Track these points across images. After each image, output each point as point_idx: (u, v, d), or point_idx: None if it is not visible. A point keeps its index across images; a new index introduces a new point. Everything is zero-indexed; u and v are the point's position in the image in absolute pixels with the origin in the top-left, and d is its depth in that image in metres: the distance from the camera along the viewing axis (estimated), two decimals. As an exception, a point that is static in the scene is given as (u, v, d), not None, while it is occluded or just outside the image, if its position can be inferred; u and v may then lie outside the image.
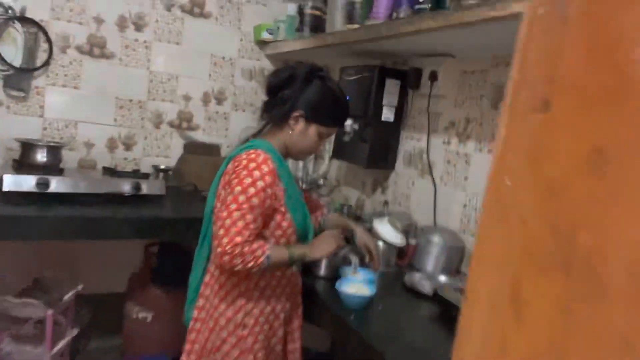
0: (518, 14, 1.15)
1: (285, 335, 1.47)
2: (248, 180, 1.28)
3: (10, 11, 2.18)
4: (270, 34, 2.66)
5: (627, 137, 0.31)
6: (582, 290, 0.33)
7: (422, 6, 1.55)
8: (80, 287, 2.12)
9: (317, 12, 2.35)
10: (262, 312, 1.37)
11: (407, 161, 2.16)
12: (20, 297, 1.98)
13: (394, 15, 1.68)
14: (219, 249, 1.23)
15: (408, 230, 1.87)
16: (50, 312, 1.91)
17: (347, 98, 1.45)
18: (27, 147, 2.09)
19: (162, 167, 2.58)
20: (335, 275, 1.58)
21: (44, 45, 2.28)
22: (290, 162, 1.52)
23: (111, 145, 2.53)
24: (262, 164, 1.29)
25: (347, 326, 1.34)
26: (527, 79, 0.40)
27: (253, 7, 2.75)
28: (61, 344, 2.02)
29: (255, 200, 1.26)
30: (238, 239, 1.23)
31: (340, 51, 2.23)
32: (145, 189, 2.20)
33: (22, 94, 2.28)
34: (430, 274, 1.69)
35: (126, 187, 2.16)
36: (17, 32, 2.20)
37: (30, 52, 2.25)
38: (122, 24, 2.44)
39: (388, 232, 1.69)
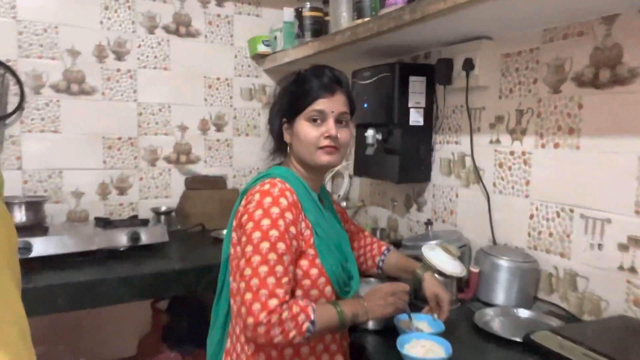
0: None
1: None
2: (267, 223, 0.97)
3: (-30, 54, 1.90)
4: (267, 45, 2.37)
5: None
6: None
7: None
8: (80, 363, 1.80)
9: (318, 13, 2.07)
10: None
11: (445, 169, 1.83)
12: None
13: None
14: (251, 320, 0.93)
15: (462, 254, 1.53)
16: (44, 402, 1.59)
17: (319, 73, 1.12)
18: (2, 206, 1.78)
19: (163, 209, 2.28)
20: (387, 326, 1.24)
21: (13, 88, 2.00)
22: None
23: (103, 192, 2.23)
24: (280, 197, 1.00)
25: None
26: None
27: (245, 18, 2.46)
28: None
29: (281, 247, 0.97)
30: (272, 304, 0.93)
31: (349, 53, 1.92)
32: (144, 238, 1.90)
33: (-6, 146, 1.99)
34: (504, 309, 1.34)
35: (122, 239, 1.85)
36: (-20, 76, 1.93)
37: (-2, 97, 1.97)
38: (100, 54, 2.16)
39: (444, 261, 1.35)
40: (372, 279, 1.51)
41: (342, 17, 1.83)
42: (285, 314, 0.94)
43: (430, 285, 1.21)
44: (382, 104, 1.83)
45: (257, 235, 0.97)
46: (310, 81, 1.10)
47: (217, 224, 2.18)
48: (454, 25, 1.46)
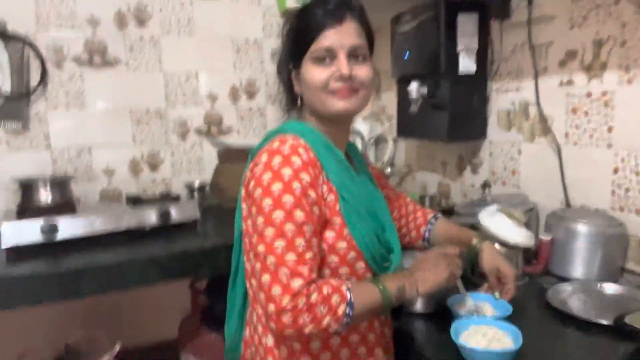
0: None
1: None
2: (278, 187, 0.78)
3: (-13, 30, 1.82)
4: (297, -1, 2.16)
5: None
6: None
7: None
8: (117, 348, 1.74)
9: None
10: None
11: (504, 123, 1.57)
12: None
13: None
14: (272, 307, 0.75)
15: (528, 219, 1.29)
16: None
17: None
18: (27, 187, 1.71)
19: (197, 184, 2.16)
20: (439, 308, 1.04)
21: (34, 63, 1.92)
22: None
23: (135, 169, 2.13)
24: (292, 155, 0.81)
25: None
26: None
27: (271, -28, 2.26)
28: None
29: (299, 215, 0.78)
30: (296, 285, 0.75)
31: (388, -4, 1.68)
32: (175, 215, 1.78)
33: (20, 126, 1.92)
34: (585, 284, 1.10)
35: (151, 217, 1.74)
36: (-1, 53, 1.84)
37: (19, 73, 1.88)
38: (121, 21, 2.03)
39: (507, 228, 1.12)
40: (417, 253, 1.27)
41: (376, -48, 1.58)
42: (314, 297, 0.75)
43: (491, 258, 0.99)
44: (425, 52, 1.58)
45: (268, 202, 0.78)
46: (312, 11, 0.88)
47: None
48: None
